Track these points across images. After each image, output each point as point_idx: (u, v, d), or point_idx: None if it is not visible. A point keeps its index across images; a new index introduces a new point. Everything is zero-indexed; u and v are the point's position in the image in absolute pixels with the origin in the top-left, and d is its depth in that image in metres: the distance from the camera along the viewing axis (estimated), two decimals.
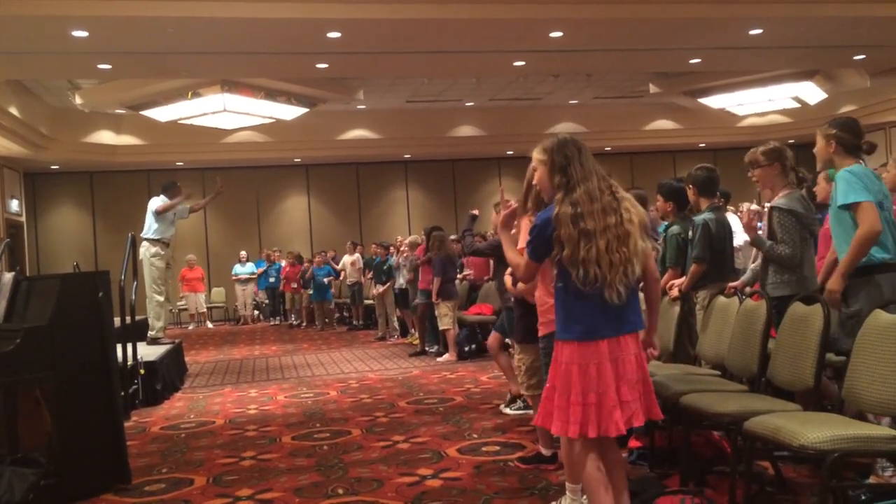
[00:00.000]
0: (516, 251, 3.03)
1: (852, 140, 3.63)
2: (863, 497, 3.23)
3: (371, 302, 12.68)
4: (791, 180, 3.93)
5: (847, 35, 9.72)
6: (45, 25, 7.69)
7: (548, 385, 2.83)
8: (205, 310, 16.30)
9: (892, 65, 12.65)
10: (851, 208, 3.46)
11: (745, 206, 10.40)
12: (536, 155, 2.91)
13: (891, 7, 8.80)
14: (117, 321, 5.55)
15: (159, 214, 8.40)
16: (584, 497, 3.40)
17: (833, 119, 3.76)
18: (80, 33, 7.92)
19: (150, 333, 8.35)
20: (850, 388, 3.01)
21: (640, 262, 2.73)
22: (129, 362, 6.54)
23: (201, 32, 8.23)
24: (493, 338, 5.87)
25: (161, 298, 8.40)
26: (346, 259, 13.32)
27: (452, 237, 11.00)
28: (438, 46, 9.35)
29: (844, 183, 3.48)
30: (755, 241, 3.95)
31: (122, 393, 5.49)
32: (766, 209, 4.12)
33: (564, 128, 16.72)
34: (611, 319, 2.70)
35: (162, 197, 8.61)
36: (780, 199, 3.84)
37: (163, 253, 8.41)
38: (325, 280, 13.58)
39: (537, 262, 2.85)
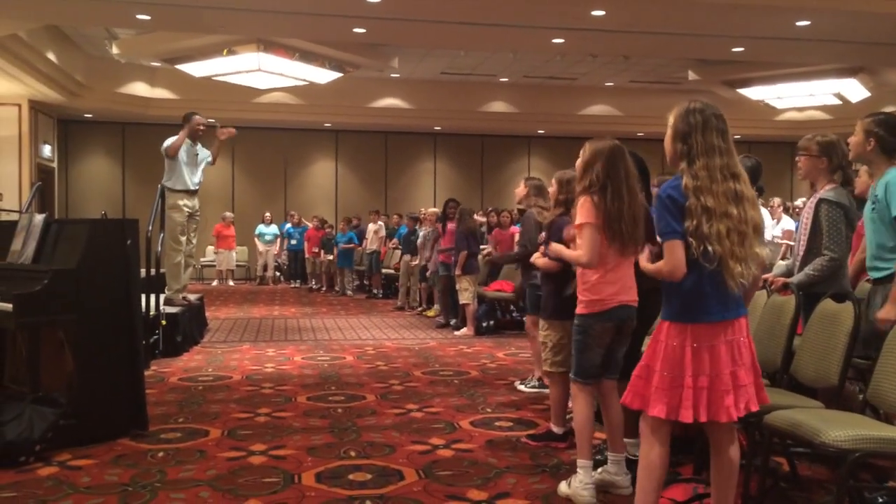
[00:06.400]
0: (572, 252, 3.41)
1: (893, 142, 3.52)
2: (879, 500, 3.19)
3: (390, 271, 12.68)
4: (837, 178, 3.81)
5: None
6: None
7: (641, 364, 2.71)
8: (234, 268, 16.48)
9: None
10: None
11: (775, 200, 10.26)
12: (669, 117, 2.77)
13: None
14: (143, 272, 5.60)
15: (169, 157, 7.20)
16: (598, 474, 3.40)
17: (877, 115, 3.60)
18: None
19: (167, 293, 7.35)
20: (875, 390, 2.96)
21: (757, 267, 2.62)
22: (152, 313, 6.61)
23: None
24: (529, 320, 5.76)
25: (177, 258, 7.33)
26: (371, 227, 13.34)
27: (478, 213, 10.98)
28: (479, 18, 9.23)
29: None
30: (801, 286, 3.69)
31: (144, 342, 5.56)
32: (802, 204, 4.00)
33: (598, 110, 16.54)
34: (728, 301, 2.59)
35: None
36: (828, 192, 3.72)
37: (180, 204, 7.26)
38: (343, 246, 13.64)
39: (681, 238, 2.55)
